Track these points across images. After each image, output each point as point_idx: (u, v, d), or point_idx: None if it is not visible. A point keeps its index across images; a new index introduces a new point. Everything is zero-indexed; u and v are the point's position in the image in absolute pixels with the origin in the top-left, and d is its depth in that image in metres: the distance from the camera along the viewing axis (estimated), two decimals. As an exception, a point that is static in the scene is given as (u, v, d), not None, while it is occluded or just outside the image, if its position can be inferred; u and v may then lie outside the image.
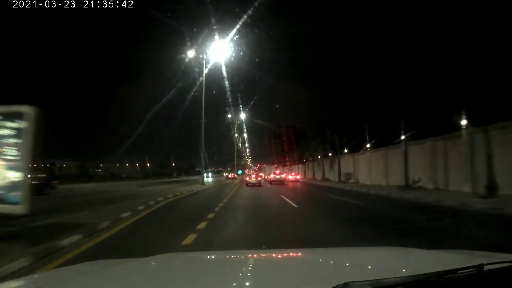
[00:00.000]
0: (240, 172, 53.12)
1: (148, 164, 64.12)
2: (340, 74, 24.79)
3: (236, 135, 55.75)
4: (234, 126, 51.45)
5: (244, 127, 57.81)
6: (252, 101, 42.75)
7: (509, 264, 1.19)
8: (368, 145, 26.96)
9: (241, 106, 45.71)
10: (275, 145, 57.47)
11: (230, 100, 39.63)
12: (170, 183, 31.82)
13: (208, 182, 33.62)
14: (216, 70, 26.17)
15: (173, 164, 79.54)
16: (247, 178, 29.67)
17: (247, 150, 78.20)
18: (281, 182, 30.39)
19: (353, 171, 30.03)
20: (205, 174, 60.49)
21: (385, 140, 24.97)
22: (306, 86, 33.07)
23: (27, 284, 1.38)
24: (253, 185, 27.01)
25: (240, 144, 66.38)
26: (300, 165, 53.89)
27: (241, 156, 62.01)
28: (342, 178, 30.18)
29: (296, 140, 50.06)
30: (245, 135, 63.74)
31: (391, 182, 22.65)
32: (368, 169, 26.77)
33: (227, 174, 61.82)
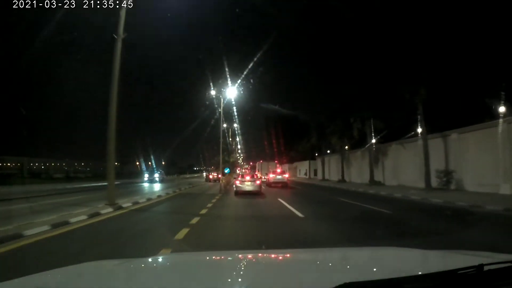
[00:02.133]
0: (227, 170, 37.39)
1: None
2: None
3: (225, 125, 40.80)
4: (220, 107, 36.79)
5: (235, 113, 43.05)
6: (250, 65, 27.90)
7: (509, 264, 1.16)
8: (502, 109, 13.03)
9: (229, 78, 30.76)
10: (276, 135, 43.66)
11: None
12: (77, 193, 16.17)
13: (140, 193, 16.76)
14: None
15: (163, 163, 64.89)
16: (237, 182, 16.71)
17: (239, 145, 63.93)
18: (284, 184, 23.64)
19: (445, 166, 16.12)
20: (147, 175, 35.41)
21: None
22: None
23: (27, 284, 1.34)
24: (247, 193, 15.78)
25: (230, 139, 51.22)
26: (311, 161, 39.98)
27: (230, 151, 46.94)
28: (435, 181, 16.11)
29: (304, 128, 36.51)
30: (235, 125, 49.13)
31: None
32: (505, 160, 12.80)
33: (207, 173, 43.45)
